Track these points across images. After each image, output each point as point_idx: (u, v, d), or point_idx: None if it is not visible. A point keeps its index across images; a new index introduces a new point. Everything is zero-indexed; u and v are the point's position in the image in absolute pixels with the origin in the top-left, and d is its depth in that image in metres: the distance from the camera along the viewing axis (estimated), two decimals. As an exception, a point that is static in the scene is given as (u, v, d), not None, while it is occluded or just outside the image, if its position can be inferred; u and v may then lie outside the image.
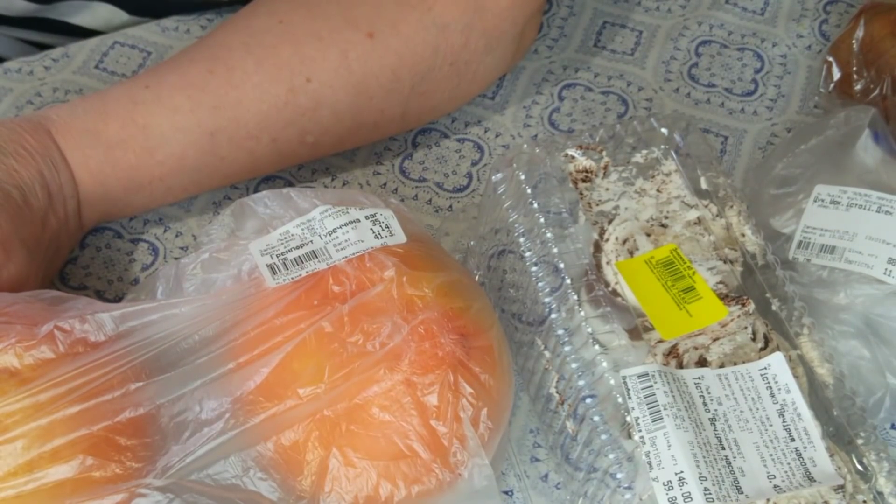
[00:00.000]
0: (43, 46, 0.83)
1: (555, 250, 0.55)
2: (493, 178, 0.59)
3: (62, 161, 0.60)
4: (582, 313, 0.53)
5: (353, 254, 0.52)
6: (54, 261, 0.62)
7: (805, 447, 0.50)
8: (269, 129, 0.63)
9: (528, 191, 0.57)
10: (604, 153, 0.60)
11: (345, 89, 0.64)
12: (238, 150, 0.63)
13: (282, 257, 0.52)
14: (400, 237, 0.53)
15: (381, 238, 0.53)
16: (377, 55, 0.64)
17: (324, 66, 0.63)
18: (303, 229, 0.53)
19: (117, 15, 0.79)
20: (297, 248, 0.53)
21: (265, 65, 0.62)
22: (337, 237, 0.53)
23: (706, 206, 0.59)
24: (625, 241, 0.57)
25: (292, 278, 0.52)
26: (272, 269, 0.52)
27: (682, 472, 0.48)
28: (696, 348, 0.53)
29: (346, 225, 0.53)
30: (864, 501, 0.49)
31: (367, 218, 0.54)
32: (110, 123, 0.61)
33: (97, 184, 0.61)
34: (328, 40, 0.63)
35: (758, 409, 0.51)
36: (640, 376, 0.50)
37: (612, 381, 0.51)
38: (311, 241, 0.53)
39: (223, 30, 0.65)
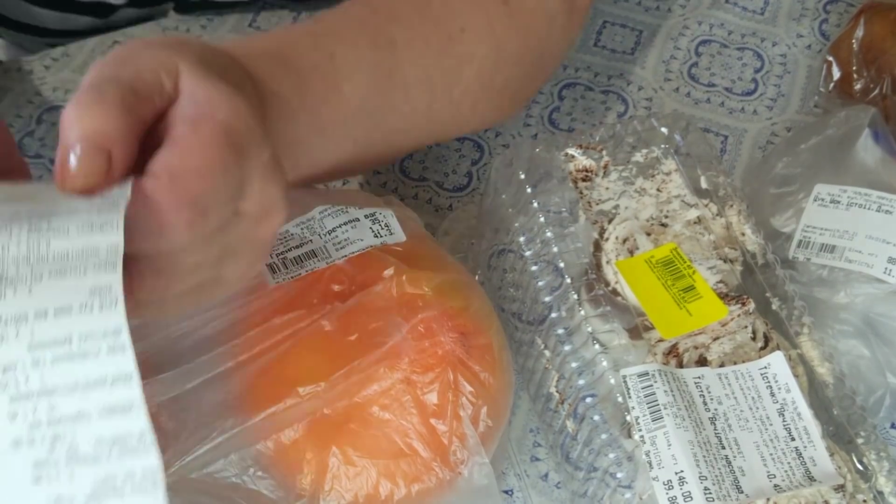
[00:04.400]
0: None
1: (555, 249, 0.55)
2: (493, 177, 0.59)
3: (250, 85, 0.49)
4: (582, 312, 0.53)
5: (353, 252, 0.52)
6: None
7: (805, 446, 0.50)
8: (431, 77, 0.59)
9: (529, 190, 0.57)
10: (604, 152, 0.60)
11: (490, 46, 0.61)
12: (404, 98, 0.59)
13: (281, 256, 0.52)
14: (399, 236, 0.53)
15: (381, 237, 0.53)
16: (512, 21, 0.62)
17: (472, 20, 0.60)
18: (302, 228, 0.53)
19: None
20: (297, 247, 0.53)
21: (424, 11, 0.59)
22: (336, 236, 0.53)
23: (706, 206, 0.59)
24: (625, 241, 0.56)
25: (292, 277, 0.52)
26: (272, 269, 0.52)
27: (682, 471, 0.48)
28: (696, 347, 0.53)
29: (345, 224, 0.53)
30: (864, 501, 0.49)
31: (366, 217, 0.54)
32: (299, 48, 0.54)
33: (289, 117, 0.52)
34: None
35: (758, 408, 0.51)
36: (640, 375, 0.50)
37: (612, 381, 0.51)
38: (311, 241, 0.53)
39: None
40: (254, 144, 0.43)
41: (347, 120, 0.55)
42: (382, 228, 0.53)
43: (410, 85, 0.58)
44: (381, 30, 0.57)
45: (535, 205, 0.57)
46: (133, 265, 0.40)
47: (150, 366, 0.50)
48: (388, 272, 0.51)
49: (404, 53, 0.58)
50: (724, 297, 0.54)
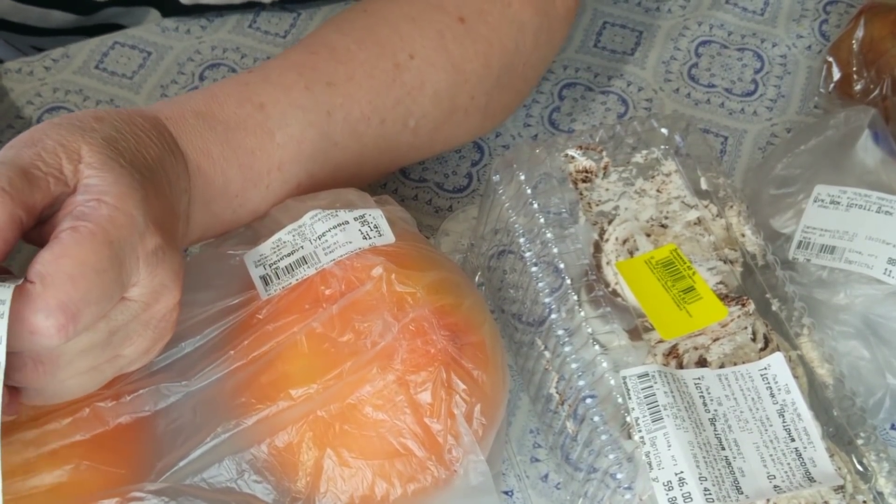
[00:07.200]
0: None
1: (555, 251, 0.55)
2: (493, 178, 0.59)
3: (177, 149, 0.52)
4: (582, 314, 0.53)
5: (341, 256, 0.52)
6: None
7: (805, 447, 0.50)
8: (379, 109, 0.60)
9: (528, 191, 0.57)
10: (604, 153, 0.60)
11: (444, 69, 0.62)
12: (350, 134, 0.59)
13: (274, 267, 0.52)
14: (388, 237, 0.53)
15: (370, 239, 0.53)
16: (470, 39, 0.63)
17: (423, 44, 0.61)
18: (294, 236, 0.53)
19: None
20: (289, 255, 0.53)
21: (366, 43, 0.60)
22: (326, 240, 0.53)
23: (706, 207, 0.59)
24: (625, 242, 0.56)
25: (283, 287, 0.52)
26: (265, 281, 0.52)
27: (682, 472, 0.48)
28: (696, 348, 0.53)
29: (335, 228, 0.53)
30: (864, 502, 0.49)
31: (355, 219, 0.53)
32: (226, 104, 0.55)
33: (219, 173, 0.54)
34: (421, 21, 0.62)
35: (758, 409, 0.51)
36: (640, 376, 0.50)
37: (612, 382, 0.51)
38: (302, 247, 0.53)
39: (308, 35, 0.63)
40: (137, 236, 0.44)
41: (285, 165, 0.57)
42: (371, 230, 0.53)
43: (356, 120, 0.59)
44: (319, 70, 0.58)
45: (535, 206, 0.57)
46: (13, 356, 0.42)
47: (146, 376, 0.50)
48: (377, 271, 0.51)
49: (344, 90, 0.59)
50: (724, 298, 0.54)
